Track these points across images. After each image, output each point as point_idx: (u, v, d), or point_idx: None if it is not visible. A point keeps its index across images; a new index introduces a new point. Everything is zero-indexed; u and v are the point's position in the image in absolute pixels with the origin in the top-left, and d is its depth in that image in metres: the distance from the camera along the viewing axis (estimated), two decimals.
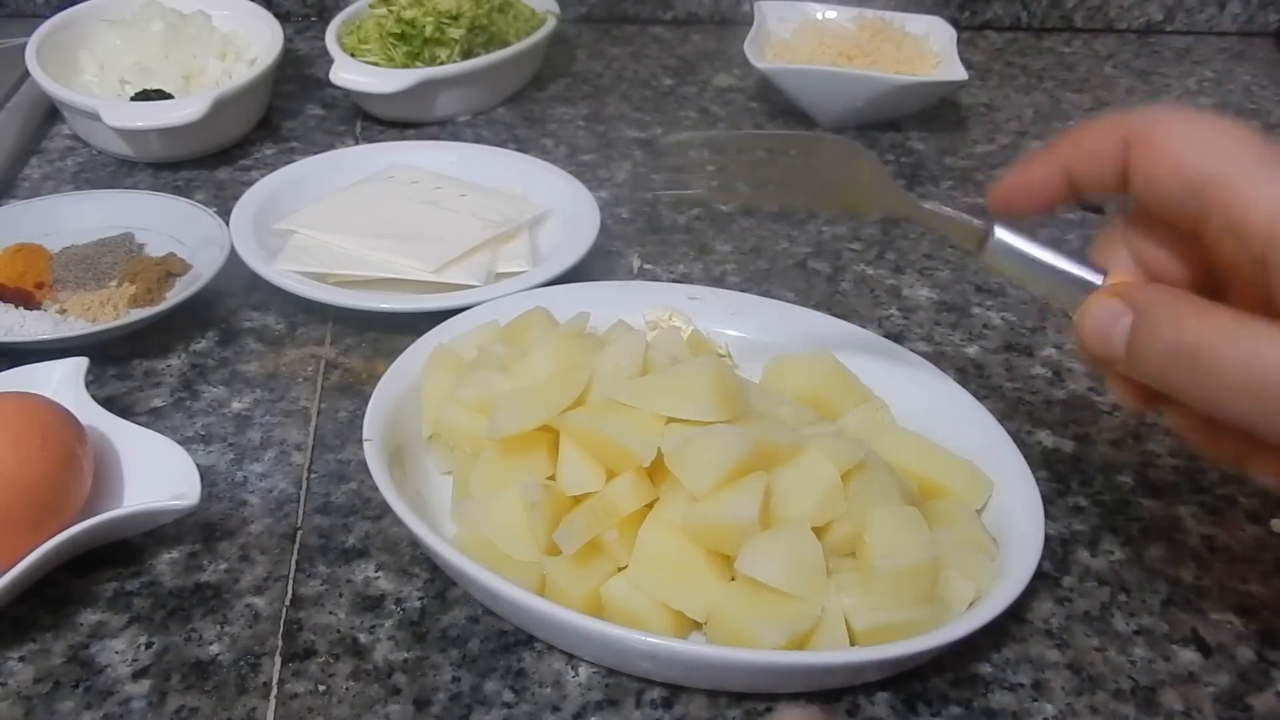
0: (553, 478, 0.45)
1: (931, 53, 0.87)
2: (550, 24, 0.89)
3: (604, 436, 0.43)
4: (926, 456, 0.48)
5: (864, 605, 0.41)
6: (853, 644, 0.41)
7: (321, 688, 0.42)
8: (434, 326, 0.55)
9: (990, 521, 0.46)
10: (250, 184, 0.70)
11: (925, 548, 0.41)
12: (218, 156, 0.79)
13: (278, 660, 0.43)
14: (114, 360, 0.58)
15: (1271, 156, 0.33)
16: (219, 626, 0.44)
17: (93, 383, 0.54)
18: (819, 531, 0.42)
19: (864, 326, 0.56)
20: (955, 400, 0.51)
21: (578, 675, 0.43)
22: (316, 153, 0.75)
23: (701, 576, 0.42)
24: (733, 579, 0.42)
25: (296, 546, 0.48)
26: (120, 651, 0.43)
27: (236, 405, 0.56)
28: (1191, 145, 0.34)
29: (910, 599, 0.41)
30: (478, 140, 0.82)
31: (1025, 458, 0.47)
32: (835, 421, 0.50)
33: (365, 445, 0.46)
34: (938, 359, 0.60)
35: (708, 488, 0.41)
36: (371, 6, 0.87)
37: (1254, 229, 0.32)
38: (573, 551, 0.42)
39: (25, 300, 0.60)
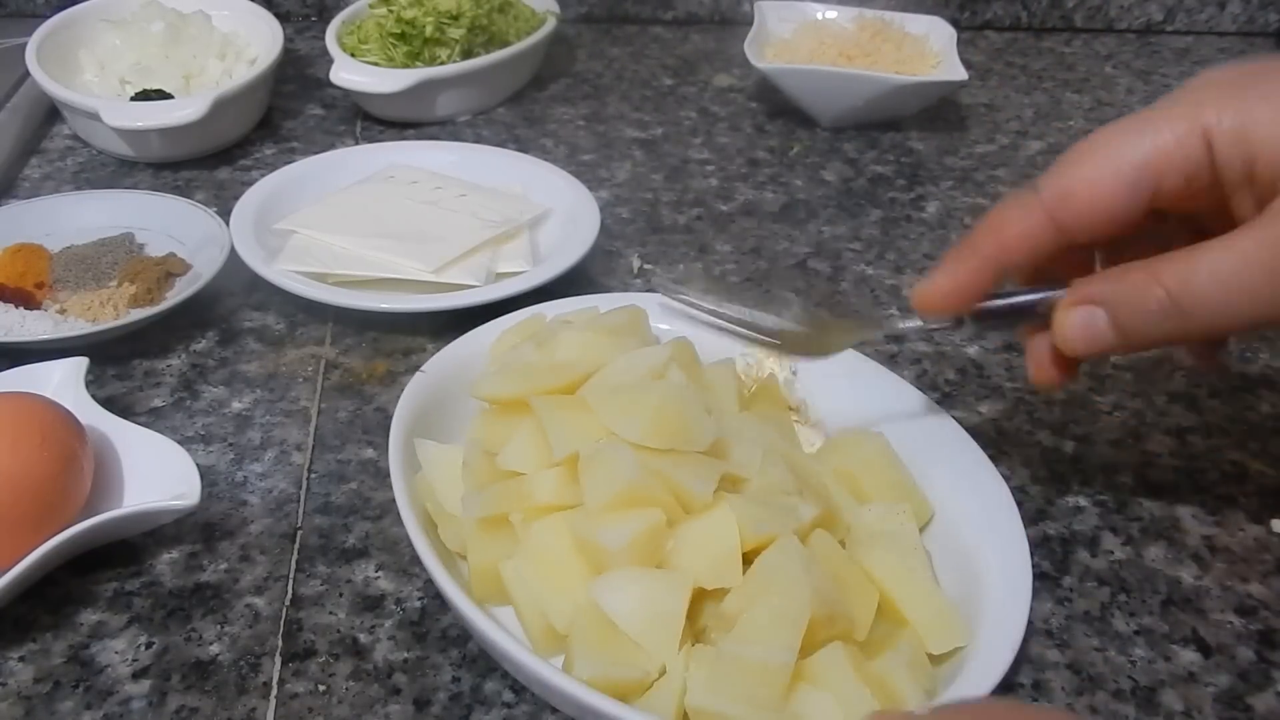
0: None
1: (931, 53, 0.87)
2: (550, 24, 0.89)
3: (541, 425, 0.43)
4: (906, 580, 0.42)
5: (704, 684, 0.37)
6: (684, 718, 0.38)
7: (321, 688, 0.42)
8: (433, 326, 0.55)
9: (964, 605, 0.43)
10: (250, 184, 0.70)
11: (784, 652, 0.37)
12: (218, 156, 0.79)
13: (278, 660, 0.43)
14: (114, 360, 0.58)
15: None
16: (219, 626, 0.44)
17: (93, 383, 0.54)
18: (711, 595, 0.40)
19: None
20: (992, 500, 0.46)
21: None
22: (316, 153, 0.75)
23: (572, 586, 0.40)
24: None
25: (296, 546, 0.48)
26: (120, 651, 0.43)
27: (236, 405, 0.56)
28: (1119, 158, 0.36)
29: (752, 698, 0.37)
30: (478, 140, 0.82)
31: (1025, 459, 0.47)
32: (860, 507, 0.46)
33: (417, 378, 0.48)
34: (938, 359, 0.60)
35: (601, 503, 0.40)
36: (371, 6, 0.87)
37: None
38: (473, 516, 0.42)
39: (25, 300, 0.60)
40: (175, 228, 0.66)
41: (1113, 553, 0.49)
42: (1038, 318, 0.40)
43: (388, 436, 0.54)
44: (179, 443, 0.48)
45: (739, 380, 0.50)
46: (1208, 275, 0.33)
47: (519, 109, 0.88)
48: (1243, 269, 0.32)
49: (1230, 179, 0.34)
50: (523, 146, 0.80)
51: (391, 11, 0.84)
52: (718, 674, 0.37)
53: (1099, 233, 0.37)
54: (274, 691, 0.42)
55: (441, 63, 0.83)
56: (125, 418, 0.50)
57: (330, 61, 0.81)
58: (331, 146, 0.79)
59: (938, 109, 0.88)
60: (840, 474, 0.47)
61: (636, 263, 0.68)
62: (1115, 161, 0.35)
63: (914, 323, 0.43)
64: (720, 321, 0.49)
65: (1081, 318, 0.36)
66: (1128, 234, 0.37)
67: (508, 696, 0.42)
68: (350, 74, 0.80)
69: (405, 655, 0.43)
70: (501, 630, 0.39)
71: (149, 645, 0.44)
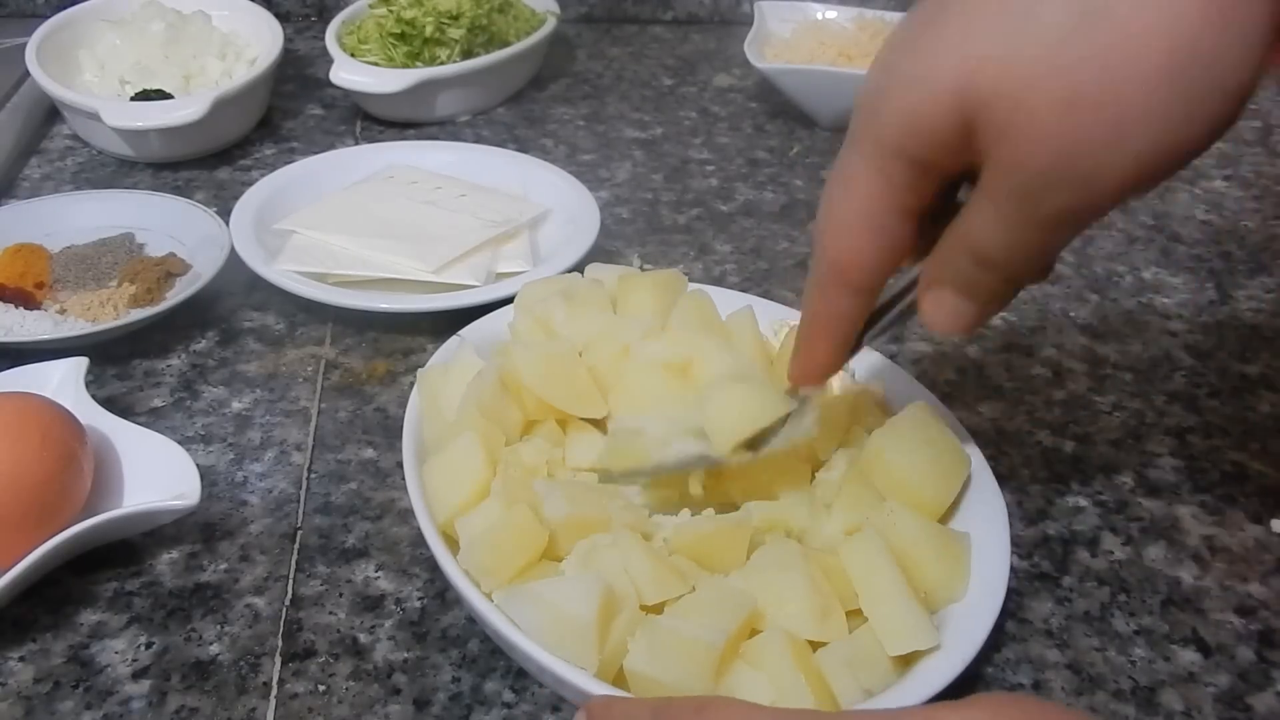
0: None
1: None
2: (550, 24, 0.89)
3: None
4: (870, 579, 0.41)
5: (643, 651, 0.38)
6: (625, 687, 0.38)
7: (321, 688, 0.42)
8: (433, 326, 0.55)
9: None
10: (250, 184, 0.70)
11: (716, 633, 0.38)
12: (218, 156, 0.79)
13: (278, 660, 0.43)
14: (114, 360, 0.58)
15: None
16: (219, 626, 0.44)
17: (93, 383, 0.54)
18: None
19: None
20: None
21: None
22: (316, 153, 0.75)
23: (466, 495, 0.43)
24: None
25: (296, 546, 0.48)
26: (120, 651, 0.43)
27: (236, 405, 0.56)
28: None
29: (684, 670, 0.37)
30: (478, 140, 0.82)
31: (1025, 459, 0.46)
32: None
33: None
34: (939, 359, 0.60)
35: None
36: (371, 6, 0.87)
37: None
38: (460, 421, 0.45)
39: (25, 300, 0.60)
40: (175, 228, 0.66)
41: (1113, 553, 0.49)
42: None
43: (388, 436, 0.54)
44: (179, 443, 0.48)
45: (757, 328, 0.50)
46: (979, 230, 0.33)
47: (519, 109, 0.88)
48: (1000, 213, 0.32)
49: (954, 155, 0.32)
50: (523, 146, 0.80)
51: (391, 11, 0.84)
52: (655, 644, 0.38)
53: (907, 253, 0.36)
54: (274, 691, 0.42)
55: (441, 63, 0.83)
56: (125, 418, 0.50)
57: (330, 61, 0.81)
58: (331, 146, 0.79)
59: None
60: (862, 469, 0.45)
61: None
62: (848, 222, 0.35)
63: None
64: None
65: (933, 303, 0.36)
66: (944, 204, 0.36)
67: (508, 696, 0.42)
68: (350, 74, 0.80)
69: (405, 655, 0.43)
70: (511, 624, 0.39)
71: (149, 645, 0.44)
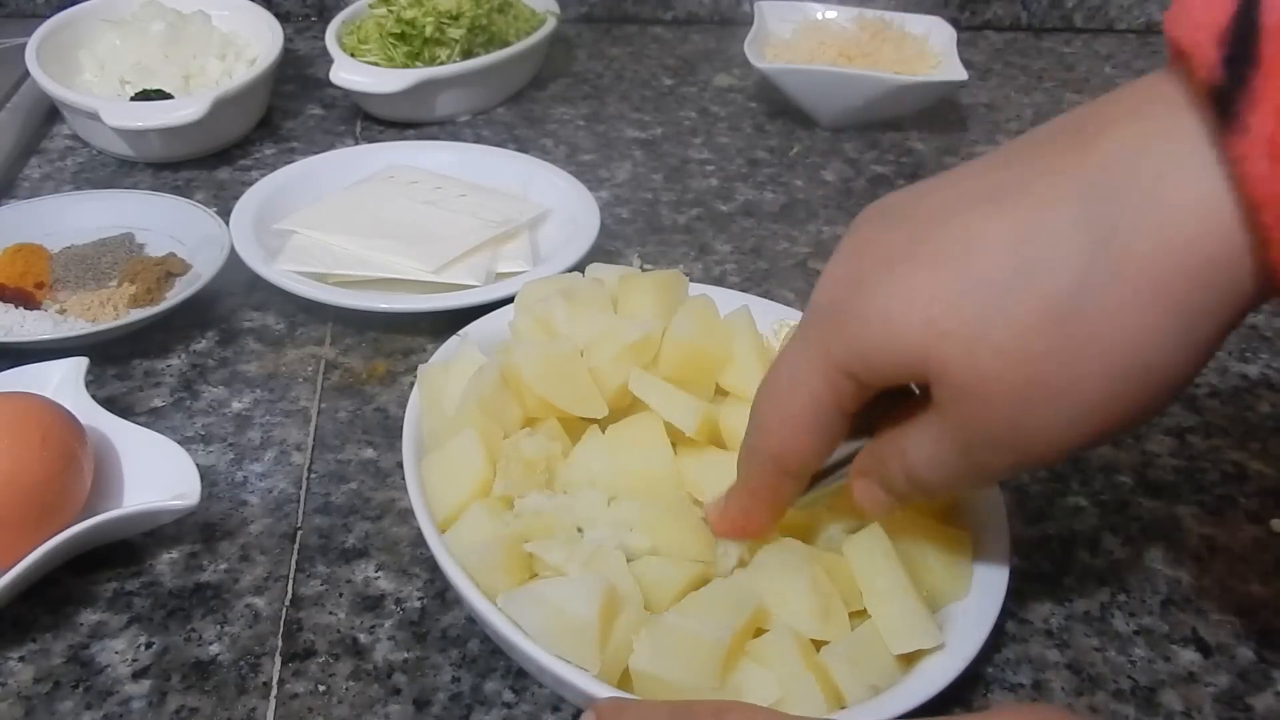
0: None
1: (931, 53, 0.87)
2: (550, 24, 0.89)
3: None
4: (874, 577, 0.41)
5: (648, 651, 0.38)
6: (629, 687, 0.38)
7: (321, 688, 0.42)
8: (433, 326, 0.55)
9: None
10: (250, 184, 0.70)
11: (721, 630, 0.38)
12: (218, 156, 0.79)
13: (278, 660, 0.43)
14: (114, 360, 0.58)
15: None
16: (219, 626, 0.44)
17: (93, 383, 0.54)
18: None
19: None
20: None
21: None
22: (316, 153, 0.75)
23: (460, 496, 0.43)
24: None
25: (296, 546, 0.48)
26: (120, 651, 0.43)
27: (236, 405, 0.56)
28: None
29: (689, 668, 0.37)
30: (478, 140, 0.82)
31: None
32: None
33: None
34: None
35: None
36: (371, 6, 0.87)
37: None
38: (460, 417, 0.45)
39: (25, 300, 0.60)
40: (175, 228, 0.66)
41: (1113, 553, 0.49)
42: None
43: (388, 436, 0.54)
44: (179, 443, 0.48)
45: (755, 328, 0.50)
46: (917, 458, 0.36)
47: (519, 109, 0.88)
48: (941, 453, 0.35)
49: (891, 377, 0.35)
50: (523, 146, 0.80)
51: (391, 11, 0.84)
52: (659, 643, 0.38)
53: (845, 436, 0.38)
54: (274, 691, 0.42)
55: (441, 63, 0.83)
56: (125, 418, 0.50)
57: (330, 61, 0.81)
58: (331, 146, 0.79)
59: (938, 109, 0.88)
60: None
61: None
62: (791, 420, 0.37)
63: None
64: None
65: (862, 489, 0.39)
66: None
67: (508, 696, 0.42)
68: (350, 74, 0.80)
69: (405, 655, 0.43)
70: (513, 625, 0.39)
71: (149, 645, 0.44)
